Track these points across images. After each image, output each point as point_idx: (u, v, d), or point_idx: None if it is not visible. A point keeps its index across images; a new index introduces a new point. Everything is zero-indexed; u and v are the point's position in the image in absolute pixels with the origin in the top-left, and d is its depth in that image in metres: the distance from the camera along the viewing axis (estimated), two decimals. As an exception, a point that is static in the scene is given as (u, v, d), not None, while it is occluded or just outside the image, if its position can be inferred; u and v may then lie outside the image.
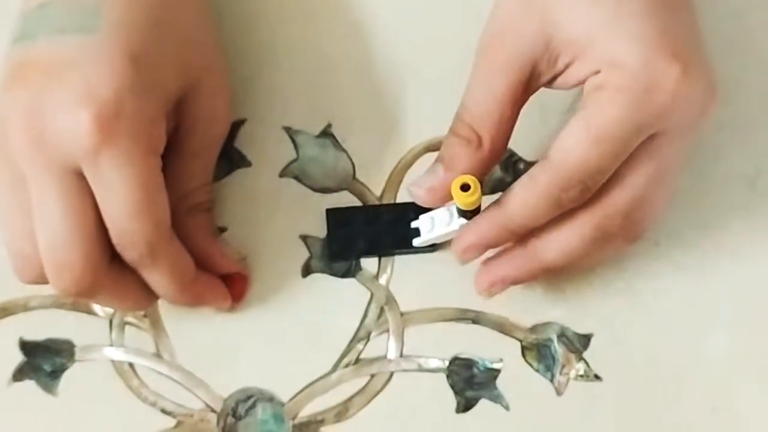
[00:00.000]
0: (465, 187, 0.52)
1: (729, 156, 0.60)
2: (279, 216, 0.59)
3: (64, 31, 0.52)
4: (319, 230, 0.59)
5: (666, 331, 0.57)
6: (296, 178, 0.60)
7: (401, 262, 0.59)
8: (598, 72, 0.51)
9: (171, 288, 0.55)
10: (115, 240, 0.52)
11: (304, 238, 0.59)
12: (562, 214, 0.53)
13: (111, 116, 0.51)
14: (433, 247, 0.58)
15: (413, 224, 0.57)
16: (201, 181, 0.57)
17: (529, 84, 0.53)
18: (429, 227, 0.56)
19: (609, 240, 0.53)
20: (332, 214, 0.59)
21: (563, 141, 0.51)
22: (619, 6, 0.51)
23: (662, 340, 0.57)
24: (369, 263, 0.59)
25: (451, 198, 0.53)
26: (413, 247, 0.57)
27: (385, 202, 0.59)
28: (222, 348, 0.58)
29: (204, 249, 0.57)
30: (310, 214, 0.59)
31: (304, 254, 0.59)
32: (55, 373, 0.58)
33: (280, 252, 0.59)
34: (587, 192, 0.52)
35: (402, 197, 0.59)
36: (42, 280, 0.53)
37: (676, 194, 0.56)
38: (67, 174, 0.51)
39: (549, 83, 0.54)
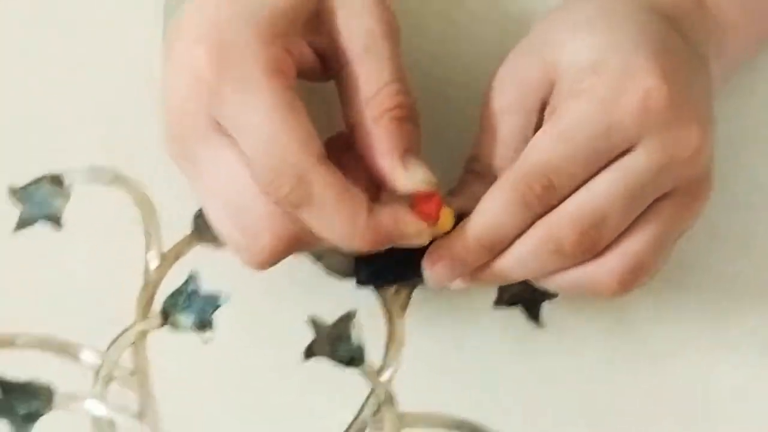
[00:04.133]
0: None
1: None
2: (289, 293, 0.58)
3: None
4: (328, 315, 0.58)
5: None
6: (314, 258, 0.58)
7: (407, 359, 0.57)
8: (581, 81, 0.50)
9: (340, 229, 0.48)
10: (263, 186, 0.48)
11: (312, 321, 0.57)
12: None
13: (218, 45, 0.48)
14: None
15: None
16: (379, 81, 0.50)
17: (539, 119, 0.52)
18: None
19: (562, 254, 0.50)
20: None
21: (531, 141, 0.51)
22: (613, 35, 0.51)
23: None
24: (374, 356, 0.57)
25: None
26: None
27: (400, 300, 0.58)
28: (209, 420, 0.56)
29: (382, 167, 0.50)
30: (322, 297, 0.58)
31: (309, 336, 0.57)
32: (30, 417, 0.55)
33: (285, 330, 0.57)
34: (552, 189, 0.50)
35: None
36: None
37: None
38: (210, 133, 0.49)
39: None
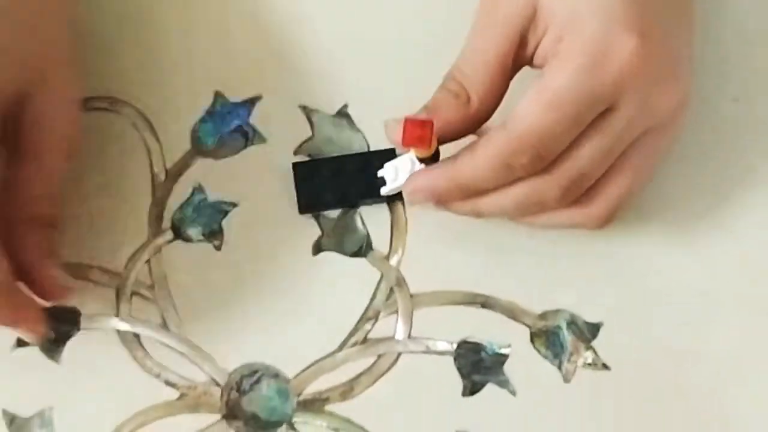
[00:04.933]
0: None
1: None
2: (292, 193, 0.59)
3: None
4: (332, 210, 0.59)
5: (678, 324, 0.57)
6: (310, 156, 0.60)
7: (413, 243, 0.59)
8: (560, 40, 0.52)
9: None
10: None
11: (317, 217, 0.59)
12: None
13: None
14: (399, 196, 0.58)
15: (380, 173, 0.57)
16: (42, 189, 0.54)
17: (518, 52, 0.53)
18: (393, 176, 0.56)
19: (544, 207, 0.54)
20: (299, 168, 0.59)
21: (519, 107, 0.52)
22: None
23: (673, 332, 0.57)
24: (380, 243, 0.59)
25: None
26: (380, 196, 0.58)
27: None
28: (229, 322, 0.58)
29: (33, 270, 0.53)
30: (323, 192, 0.59)
31: (316, 232, 0.59)
32: (59, 341, 0.58)
33: (292, 230, 0.59)
34: (539, 160, 0.52)
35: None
36: None
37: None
38: None
39: (533, 56, 0.54)
